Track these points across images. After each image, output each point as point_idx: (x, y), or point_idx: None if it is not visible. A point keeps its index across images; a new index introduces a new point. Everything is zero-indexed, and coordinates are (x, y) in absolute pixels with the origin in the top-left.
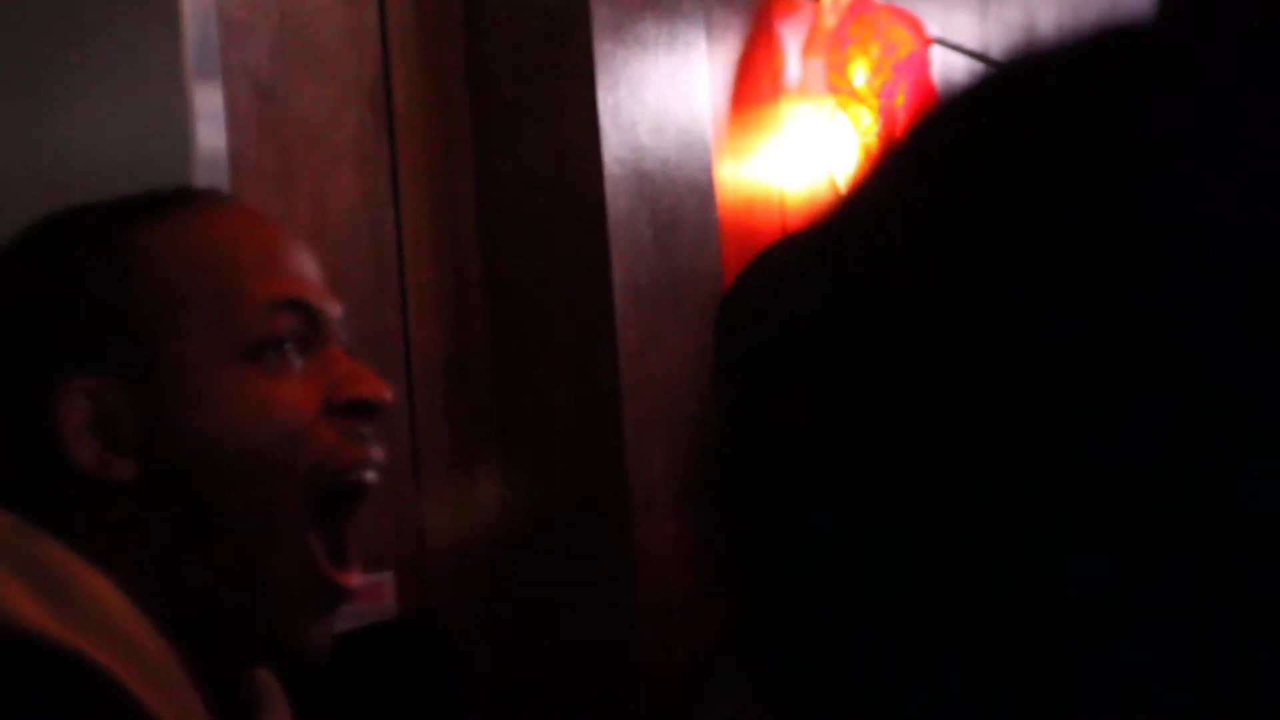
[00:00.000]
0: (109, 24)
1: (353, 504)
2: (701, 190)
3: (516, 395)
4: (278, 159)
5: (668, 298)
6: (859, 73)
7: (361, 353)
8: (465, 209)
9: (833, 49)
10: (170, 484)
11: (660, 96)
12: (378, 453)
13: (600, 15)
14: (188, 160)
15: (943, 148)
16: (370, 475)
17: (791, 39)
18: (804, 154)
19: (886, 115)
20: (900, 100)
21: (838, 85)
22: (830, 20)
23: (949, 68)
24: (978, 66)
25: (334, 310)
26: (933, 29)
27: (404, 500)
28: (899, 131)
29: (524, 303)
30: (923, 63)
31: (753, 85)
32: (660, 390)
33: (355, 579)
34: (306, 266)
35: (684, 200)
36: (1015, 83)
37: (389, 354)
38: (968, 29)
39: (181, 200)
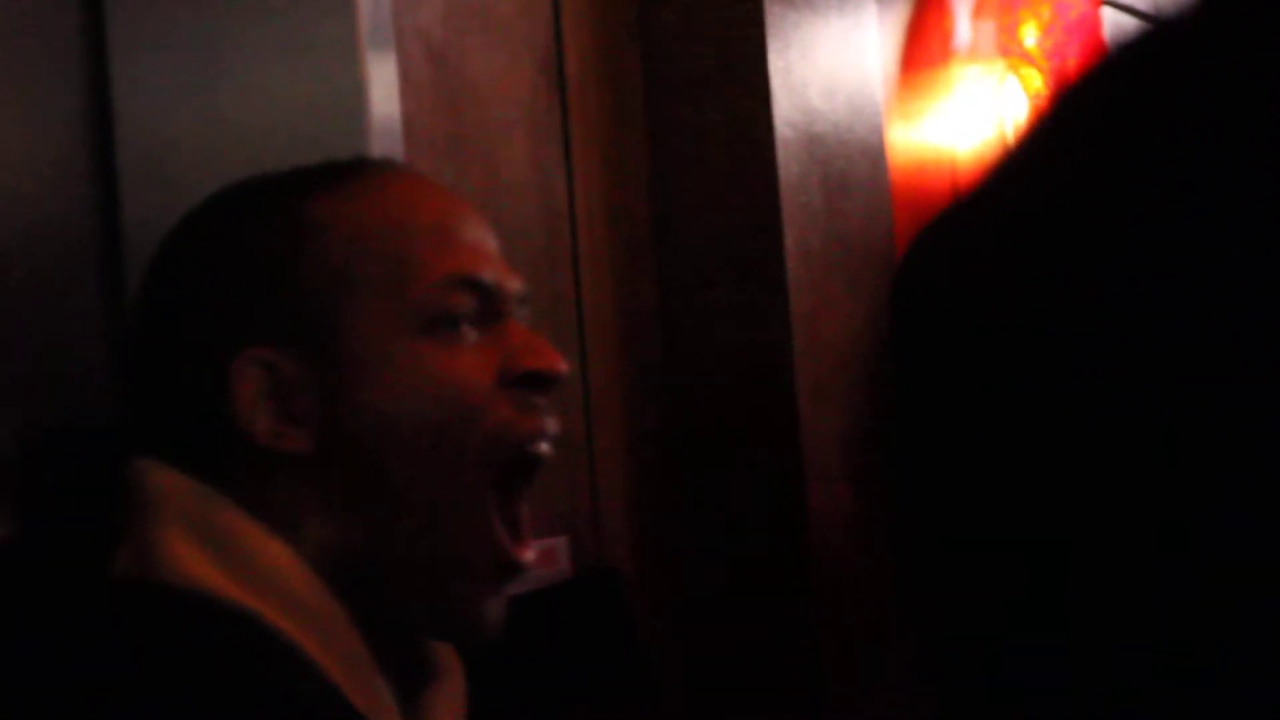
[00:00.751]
0: None
1: (528, 475)
2: (873, 153)
3: (688, 358)
4: (450, 125)
5: (839, 260)
6: (1030, 35)
7: (536, 317)
8: (637, 172)
9: (1004, 11)
10: (344, 457)
11: (831, 59)
12: (552, 424)
13: None
14: (362, 128)
15: (1106, 105)
16: (545, 447)
17: (962, 1)
18: (975, 116)
19: (1057, 77)
20: (1071, 62)
21: (1008, 47)
22: None
23: (1120, 29)
24: (1148, 27)
25: (511, 286)
26: None
27: (577, 464)
28: (1058, 89)
29: (696, 266)
30: (1094, 24)
31: (923, 48)
32: (832, 353)
33: (530, 554)
34: (484, 240)
35: (855, 163)
36: (1177, 40)
37: (562, 317)
38: None
39: (360, 171)
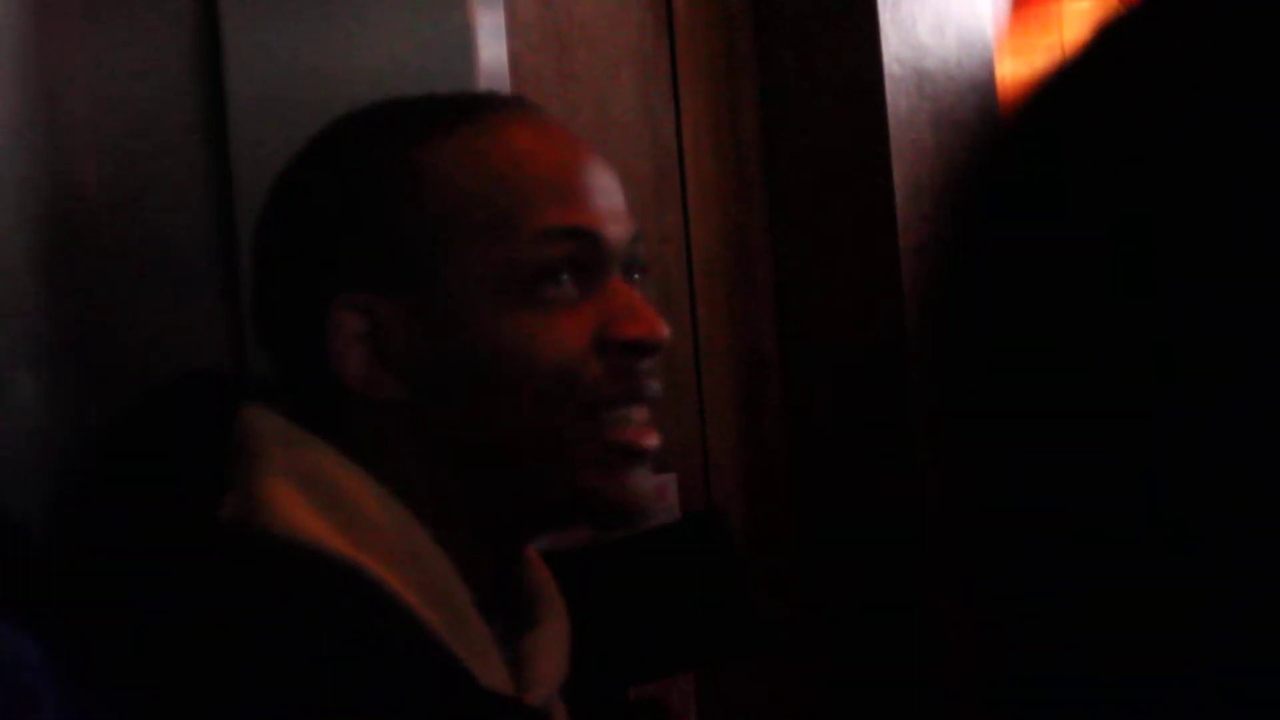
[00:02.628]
0: None
1: (633, 455)
2: (983, 89)
3: (798, 296)
4: (558, 63)
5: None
6: None
7: (646, 253)
8: (746, 109)
9: None
10: (438, 408)
11: None
12: (652, 386)
13: None
14: (470, 69)
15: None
16: (643, 436)
17: None
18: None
19: None
20: None
21: None
22: None
23: None
24: None
25: (618, 234)
26: None
27: (687, 402)
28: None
29: (805, 203)
30: None
31: None
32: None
33: (653, 438)
34: (595, 188)
35: (965, 99)
36: None
37: (672, 254)
38: None
39: (478, 112)
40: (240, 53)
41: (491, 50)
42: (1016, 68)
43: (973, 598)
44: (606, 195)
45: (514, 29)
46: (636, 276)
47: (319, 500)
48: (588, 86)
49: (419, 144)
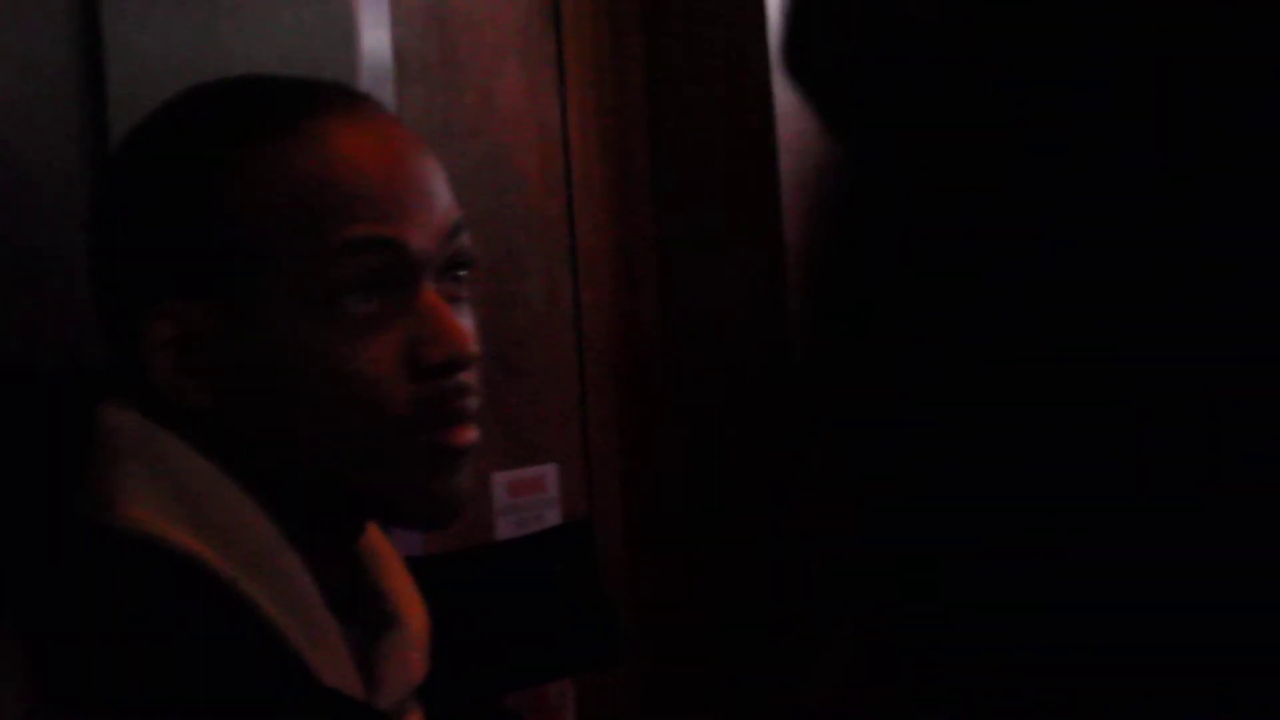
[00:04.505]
0: None
1: (453, 457)
2: None
3: (683, 287)
4: (442, 51)
5: None
6: None
7: (530, 242)
8: (632, 99)
9: None
10: (245, 417)
11: None
12: (469, 404)
13: None
14: (353, 56)
15: None
16: (467, 434)
17: None
18: None
19: None
20: None
21: None
22: None
23: None
24: None
25: (428, 242)
26: None
27: (568, 391)
28: None
29: (691, 194)
30: None
31: None
32: None
33: (471, 433)
34: (406, 196)
35: None
36: None
37: (555, 246)
38: None
39: (297, 114)
40: (120, 42)
41: (374, 37)
42: None
43: (853, 581)
44: (420, 200)
45: (397, 16)
46: (462, 273)
47: (169, 496)
48: (472, 75)
49: (234, 150)
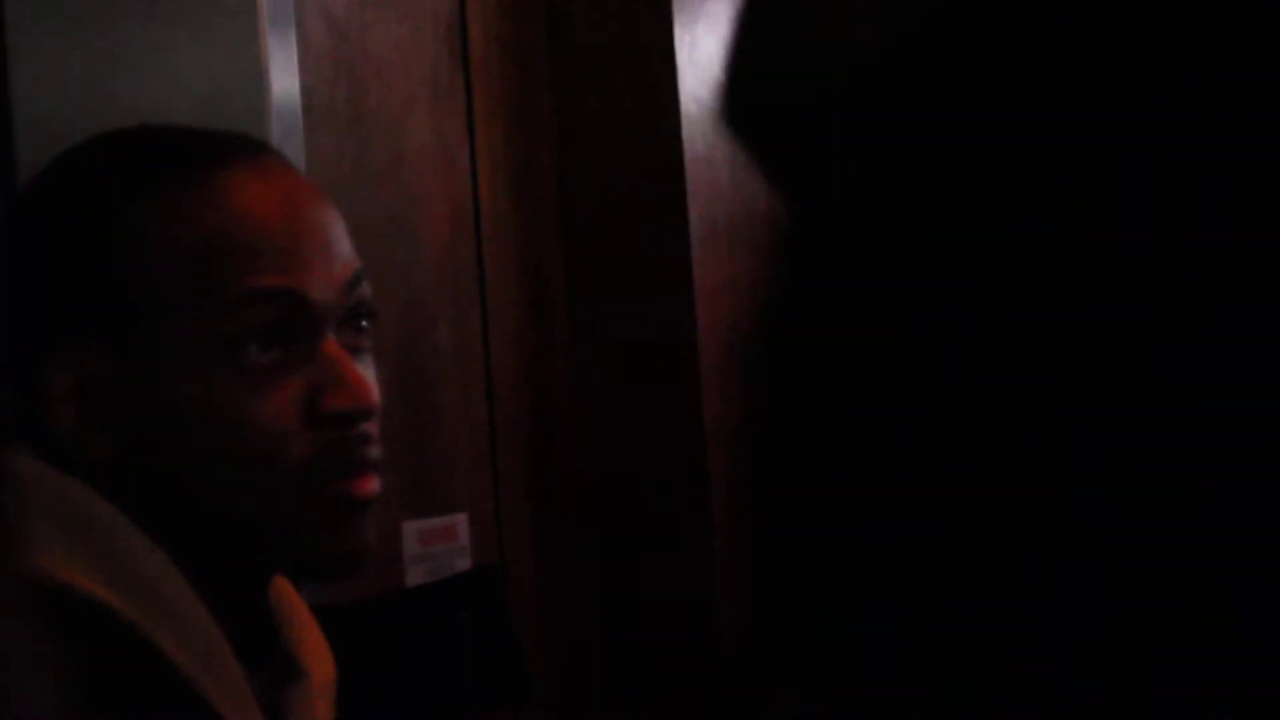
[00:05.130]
0: None
1: (354, 509)
2: None
3: (593, 334)
4: (352, 97)
5: (745, 238)
6: None
7: (439, 290)
8: (541, 147)
9: None
10: (148, 468)
11: None
12: (371, 453)
13: None
14: (262, 100)
15: None
16: (368, 485)
17: None
18: None
19: None
20: None
21: None
22: None
23: None
24: None
25: (328, 293)
26: None
27: (478, 440)
28: None
29: (600, 243)
30: None
31: None
32: (734, 329)
33: (373, 484)
34: (306, 247)
35: None
36: None
37: (464, 294)
38: None
39: (198, 163)
40: (28, 82)
41: (284, 82)
42: None
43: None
44: (320, 250)
45: (307, 62)
46: (364, 324)
47: (77, 544)
48: (382, 121)
49: (134, 200)
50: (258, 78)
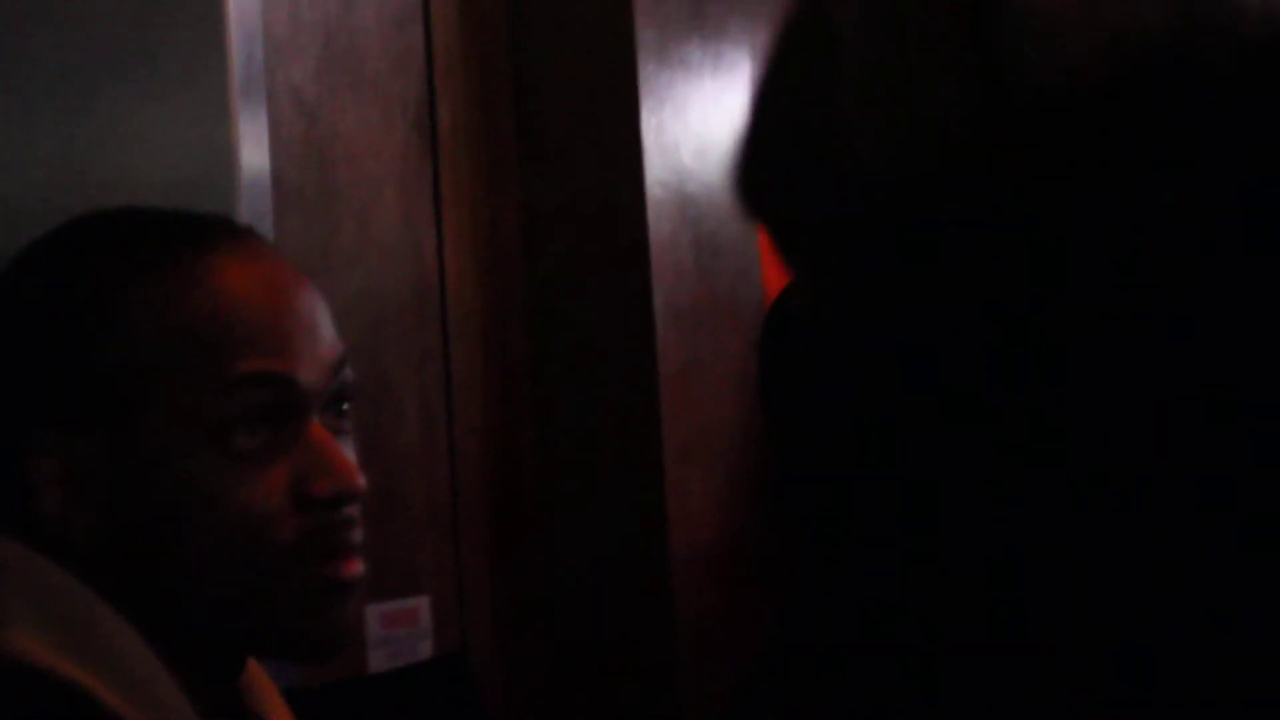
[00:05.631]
0: (155, 43)
1: (342, 591)
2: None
3: (557, 419)
4: (321, 179)
5: (709, 321)
6: None
7: (404, 374)
8: (508, 230)
9: None
10: (136, 552)
11: (704, 118)
12: (355, 536)
13: (645, 37)
14: (232, 183)
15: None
16: (353, 568)
17: None
18: None
19: None
20: None
21: None
22: None
23: None
24: None
25: (316, 377)
26: None
27: (441, 523)
28: None
29: (566, 325)
30: None
31: None
32: (701, 414)
33: (357, 567)
34: (294, 330)
35: (726, 223)
36: None
37: (430, 377)
38: None
39: (183, 247)
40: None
41: (253, 164)
42: None
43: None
44: (307, 334)
45: (276, 143)
46: (346, 407)
47: (56, 627)
48: (349, 204)
49: (120, 285)
50: (228, 158)
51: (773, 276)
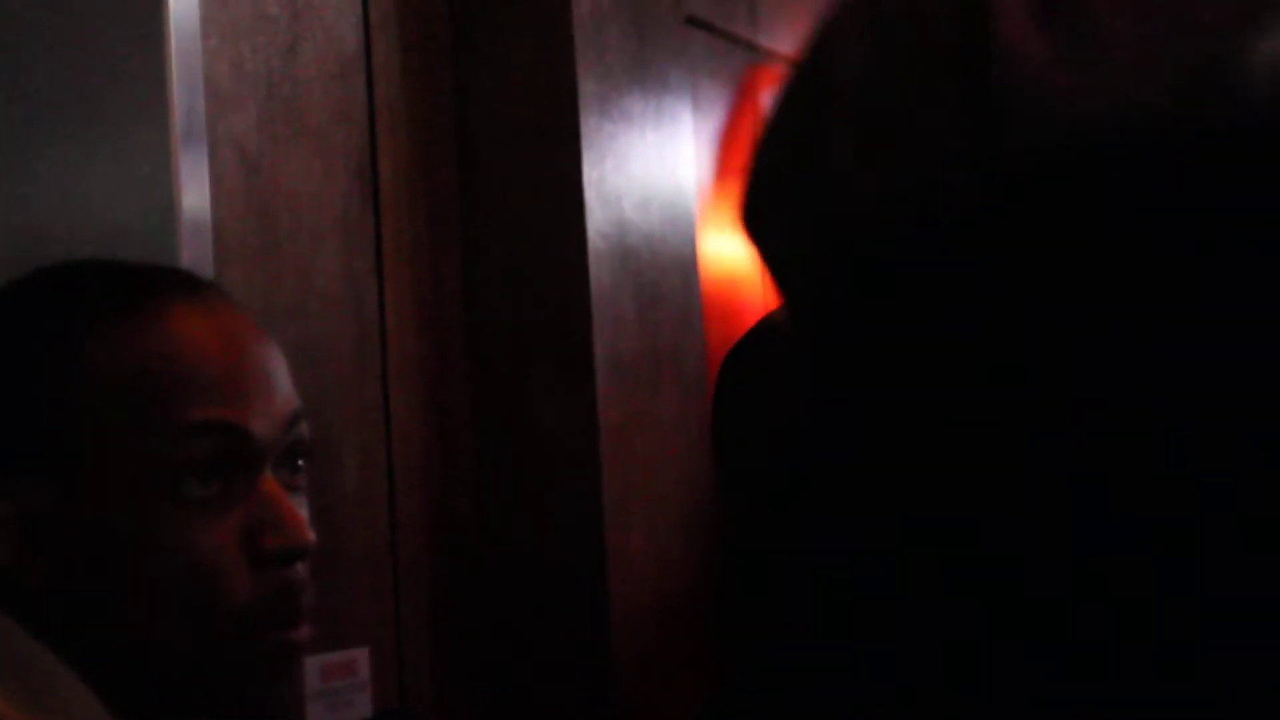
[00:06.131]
0: (96, 94)
1: (286, 659)
2: (685, 264)
3: (497, 472)
4: (263, 231)
5: (650, 373)
6: None
7: (343, 429)
8: (450, 283)
9: None
10: (85, 600)
11: (646, 170)
12: (306, 596)
13: (587, 90)
14: (173, 235)
15: None
16: (297, 634)
17: None
18: None
19: None
20: None
21: None
22: None
23: None
24: None
25: (269, 429)
26: None
27: (381, 574)
28: None
29: (507, 378)
30: None
31: (738, 158)
32: (640, 466)
33: (306, 633)
34: (248, 381)
35: (668, 274)
36: None
37: (370, 430)
38: None
39: (138, 297)
40: None
41: (195, 215)
42: (720, 243)
43: None
44: (262, 387)
45: (218, 194)
46: (300, 463)
47: (6, 676)
48: (291, 255)
49: (76, 333)
50: (170, 209)
51: (713, 327)
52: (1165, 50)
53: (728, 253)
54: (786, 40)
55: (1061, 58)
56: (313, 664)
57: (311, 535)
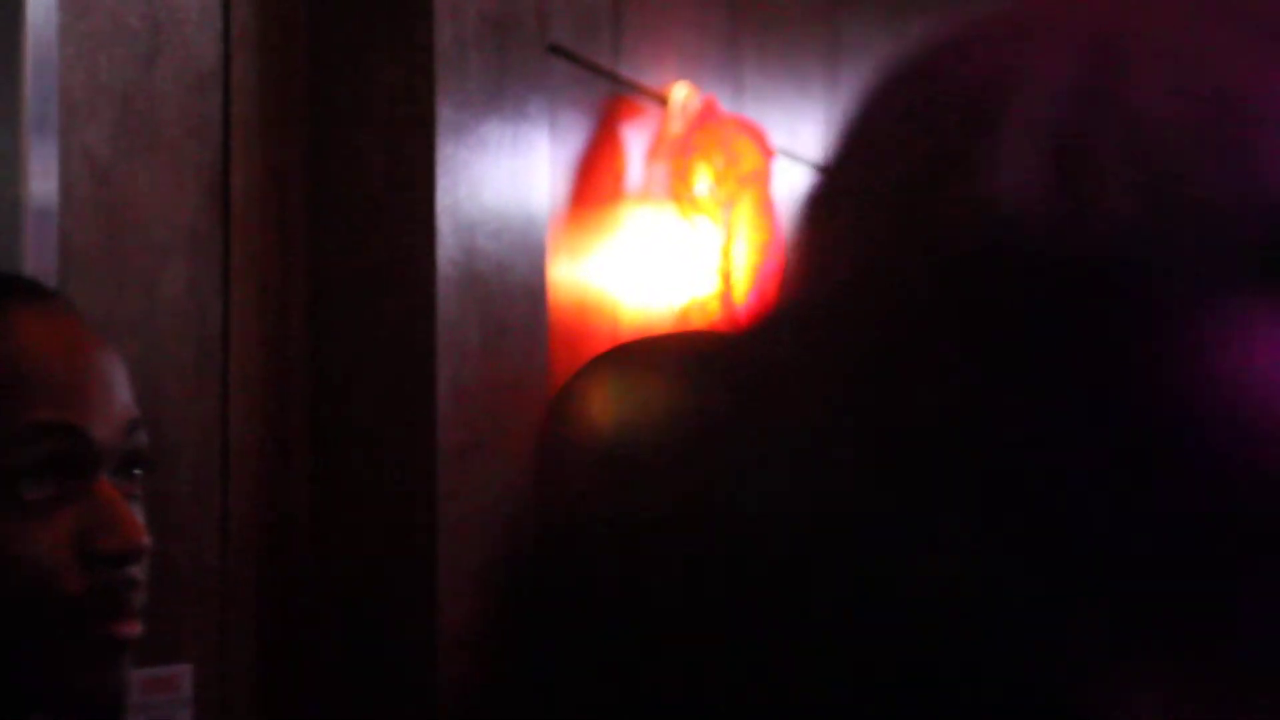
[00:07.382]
0: None
1: (116, 650)
2: (533, 293)
3: (335, 491)
4: (109, 243)
5: (492, 400)
6: (702, 182)
7: (179, 444)
8: (295, 303)
9: (677, 156)
10: None
11: (500, 198)
12: (138, 597)
13: (444, 116)
14: (18, 240)
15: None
16: (126, 628)
17: (636, 143)
18: (642, 259)
19: (727, 226)
20: (741, 211)
21: (680, 193)
22: (676, 127)
23: (793, 180)
24: (821, 179)
25: (108, 433)
26: (779, 140)
27: (207, 591)
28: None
29: (348, 399)
30: (765, 176)
31: (594, 188)
32: (478, 493)
33: (135, 628)
34: (88, 384)
35: (515, 303)
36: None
37: (206, 445)
38: (813, 141)
39: None
40: None
41: (42, 226)
42: (571, 272)
43: None
44: (102, 393)
45: (68, 204)
46: (137, 472)
47: None
48: (136, 268)
49: None
50: (16, 218)
51: (559, 356)
52: None
53: (579, 280)
54: (649, 72)
55: None
56: (134, 678)
57: (146, 539)
